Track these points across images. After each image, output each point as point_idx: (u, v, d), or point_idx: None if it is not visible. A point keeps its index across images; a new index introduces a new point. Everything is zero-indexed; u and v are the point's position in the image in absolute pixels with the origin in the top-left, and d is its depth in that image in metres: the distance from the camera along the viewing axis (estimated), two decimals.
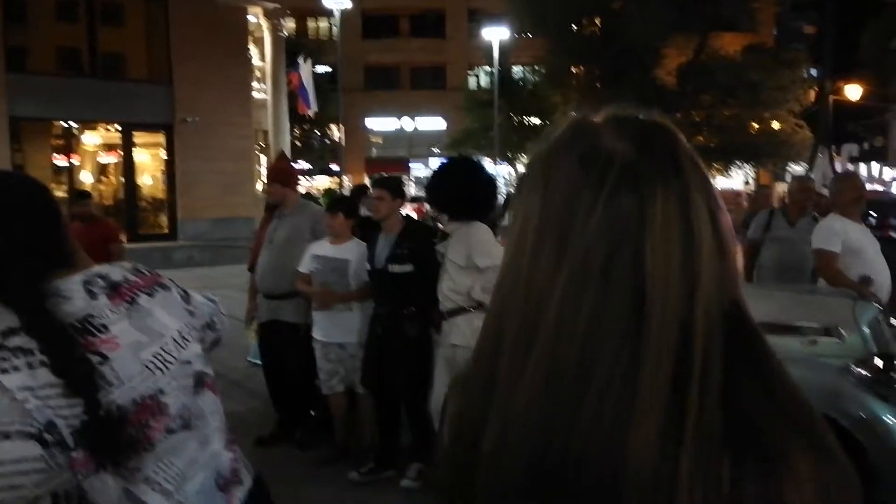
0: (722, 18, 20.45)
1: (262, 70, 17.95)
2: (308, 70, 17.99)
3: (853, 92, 19.43)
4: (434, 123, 32.91)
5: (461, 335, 3.39)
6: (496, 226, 9.26)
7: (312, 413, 4.31)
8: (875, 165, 24.41)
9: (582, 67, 22.89)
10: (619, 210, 0.57)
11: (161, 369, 1.14)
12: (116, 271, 1.22)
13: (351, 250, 3.90)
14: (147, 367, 1.12)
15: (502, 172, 29.07)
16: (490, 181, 3.64)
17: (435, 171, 3.66)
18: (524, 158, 28.26)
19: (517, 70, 28.90)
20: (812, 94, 21.92)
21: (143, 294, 1.20)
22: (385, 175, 4.01)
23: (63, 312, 1.07)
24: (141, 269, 1.28)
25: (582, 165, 0.59)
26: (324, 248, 3.95)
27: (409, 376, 3.65)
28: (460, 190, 3.47)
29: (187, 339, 1.24)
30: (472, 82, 32.11)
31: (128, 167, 15.49)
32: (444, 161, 3.80)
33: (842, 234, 3.94)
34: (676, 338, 0.54)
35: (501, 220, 10.32)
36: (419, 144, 32.99)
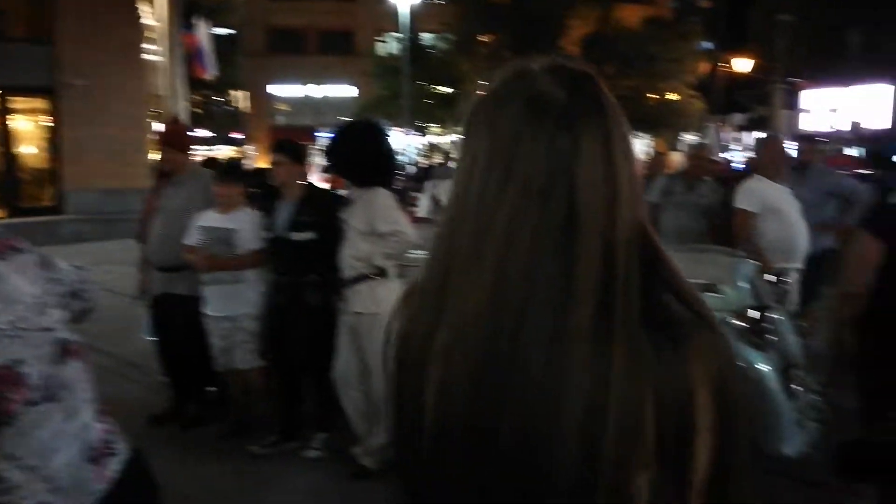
0: None
1: (156, 31, 16.84)
2: (205, 31, 17.04)
3: (743, 65, 20.58)
4: (343, 90, 32.16)
5: (363, 303, 3.37)
6: (406, 193, 9.25)
7: (212, 389, 4.18)
8: (760, 134, 26.19)
9: (491, 36, 22.99)
10: (555, 145, 0.68)
11: (18, 336, 1.09)
12: None
13: (239, 219, 3.75)
14: (2, 332, 1.07)
15: (413, 142, 28.97)
16: (390, 147, 3.59)
17: (335, 136, 3.57)
18: (435, 127, 28.24)
19: (427, 37, 28.64)
20: (706, 67, 23.04)
21: None
22: (285, 139, 3.84)
23: None
24: None
25: (526, 108, 0.70)
26: (210, 218, 3.78)
27: (313, 346, 3.60)
28: (362, 155, 3.41)
29: (47, 306, 1.18)
30: (381, 48, 31.53)
31: (4, 135, 14.22)
32: (344, 125, 3.70)
33: (759, 195, 4.18)
34: (602, 246, 0.67)
35: (418, 189, 10.35)
36: (327, 112, 32.16)
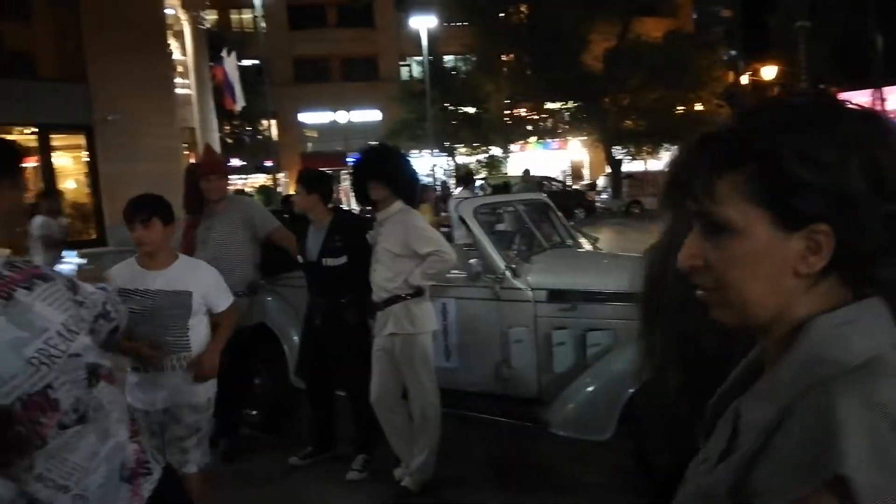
0: (642, 4, 21.00)
1: (184, 65, 17.34)
2: (232, 64, 17.49)
3: (768, 72, 20.35)
4: (369, 115, 32.59)
5: (399, 324, 3.38)
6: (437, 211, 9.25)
7: (252, 412, 4.22)
8: None
9: (512, 55, 23.13)
10: None
11: (47, 364, 1.12)
12: None
13: (188, 275, 2.71)
14: (31, 363, 1.10)
15: (439, 163, 29.14)
16: (414, 168, 3.66)
17: (362, 159, 3.63)
18: (461, 148, 28.40)
19: (449, 59, 28.93)
20: (731, 76, 22.82)
21: (21, 289, 1.16)
22: (304, 170, 3.92)
23: None
24: (16, 264, 1.23)
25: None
26: (143, 277, 2.65)
27: (352, 366, 3.63)
28: (393, 176, 3.46)
29: (75, 332, 1.21)
30: (404, 72, 31.94)
31: (47, 172, 14.71)
32: (368, 148, 3.78)
33: None
34: None
35: (443, 204, 10.38)
36: (355, 137, 32.60)
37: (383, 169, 3.45)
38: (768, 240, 0.65)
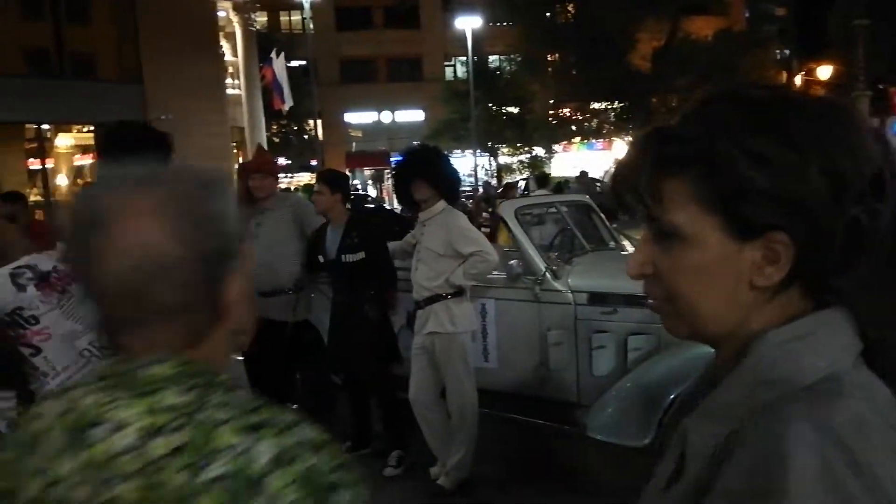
0: (693, 2, 20.56)
1: (234, 65, 17.77)
2: (281, 64, 17.82)
3: (824, 72, 19.66)
4: (413, 115, 32.78)
5: (439, 323, 3.41)
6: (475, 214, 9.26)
7: (293, 407, 4.31)
8: None
9: (557, 55, 22.93)
10: None
11: (99, 356, 1.13)
12: (45, 261, 1.20)
13: None
14: (83, 355, 1.12)
15: (482, 163, 29.09)
16: (454, 167, 3.68)
17: (406, 159, 3.66)
18: (504, 148, 28.31)
19: (493, 59, 28.86)
20: (785, 76, 22.16)
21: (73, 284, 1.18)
22: (325, 170, 4.03)
23: None
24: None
25: None
26: None
27: (375, 361, 3.70)
28: (431, 177, 3.48)
29: None
30: (449, 72, 32.02)
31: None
32: (411, 149, 3.82)
33: None
34: None
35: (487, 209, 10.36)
36: (399, 137, 32.84)
37: (426, 169, 3.47)
38: (721, 249, 0.59)
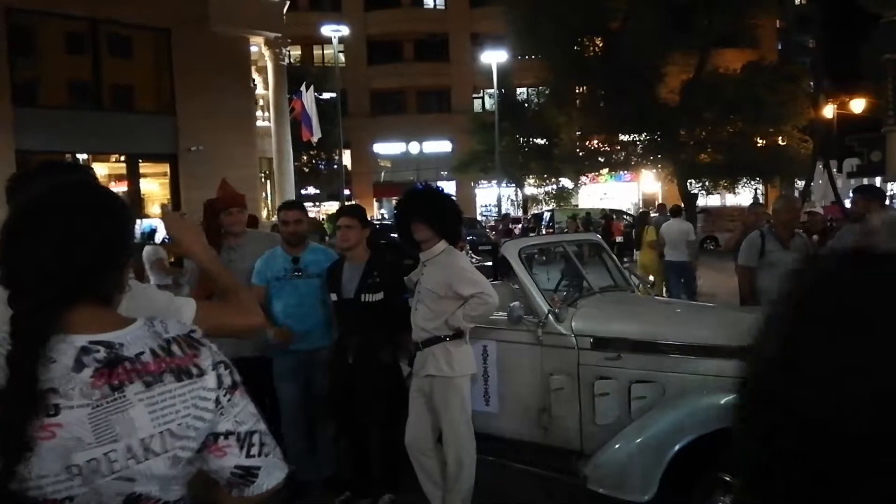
0: (721, 35, 20.43)
1: (265, 98, 18.17)
2: (310, 97, 18.18)
3: (857, 105, 19.25)
4: (441, 146, 33.08)
5: (437, 366, 3.34)
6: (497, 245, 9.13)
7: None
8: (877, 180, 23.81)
9: (584, 87, 22.95)
10: None
11: (82, 477, 0.93)
12: (146, 340, 1.01)
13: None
14: (69, 470, 0.93)
15: (507, 193, 29.09)
16: (456, 207, 3.62)
17: (401, 203, 3.63)
18: (530, 179, 28.30)
19: (521, 91, 29.06)
20: (816, 109, 21.79)
21: (141, 381, 0.97)
22: (351, 204, 3.93)
23: (40, 376, 0.93)
24: (189, 342, 1.05)
25: None
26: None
27: (387, 404, 3.59)
28: (431, 218, 3.45)
29: (156, 452, 0.97)
30: (477, 104, 32.33)
31: (135, 197, 15.66)
32: (414, 188, 3.77)
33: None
34: None
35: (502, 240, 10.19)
36: (426, 167, 33.14)
37: (426, 210, 3.45)
38: None
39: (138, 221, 2.33)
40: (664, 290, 9.64)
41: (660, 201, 15.85)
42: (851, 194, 5.35)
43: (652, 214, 12.48)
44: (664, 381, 3.27)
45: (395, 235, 4.10)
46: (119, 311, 1.08)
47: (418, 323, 3.42)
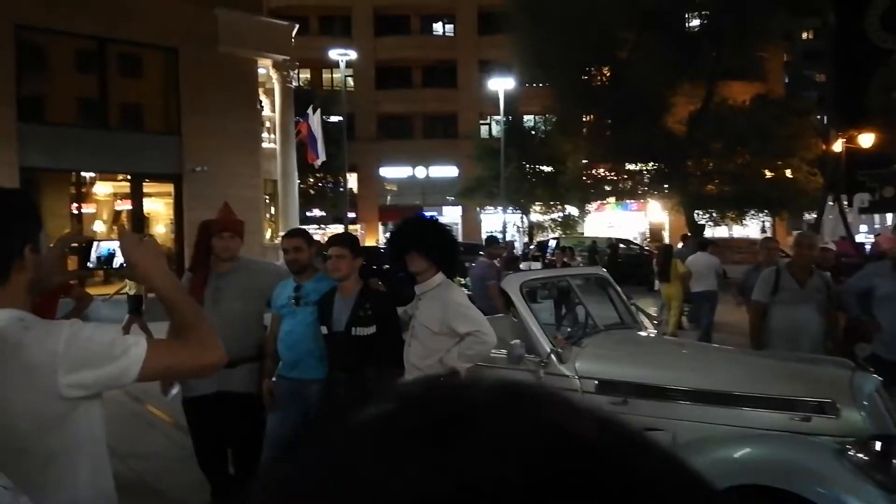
0: (729, 67, 20.44)
1: (271, 120, 18.19)
2: (317, 120, 18.18)
3: (866, 140, 19.14)
4: (447, 171, 33.10)
5: None
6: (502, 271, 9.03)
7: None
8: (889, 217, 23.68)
9: (591, 116, 22.97)
10: None
11: None
12: None
13: None
14: None
15: (513, 220, 28.99)
16: (452, 238, 3.47)
17: (403, 229, 3.46)
18: (536, 207, 28.21)
19: (528, 119, 29.12)
20: (824, 143, 21.72)
21: None
22: (343, 233, 3.74)
23: None
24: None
25: None
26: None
27: None
28: (427, 249, 3.29)
29: None
30: (484, 131, 32.41)
31: (138, 217, 15.58)
32: (409, 219, 3.58)
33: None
34: None
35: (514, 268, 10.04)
36: (432, 192, 33.15)
37: (421, 241, 3.28)
38: None
39: (94, 244, 2.10)
40: (681, 323, 9.60)
41: (685, 233, 15.74)
42: (874, 231, 5.24)
43: (679, 246, 12.46)
44: (673, 430, 3.06)
45: (375, 268, 3.93)
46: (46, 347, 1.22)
47: (411, 360, 3.23)
